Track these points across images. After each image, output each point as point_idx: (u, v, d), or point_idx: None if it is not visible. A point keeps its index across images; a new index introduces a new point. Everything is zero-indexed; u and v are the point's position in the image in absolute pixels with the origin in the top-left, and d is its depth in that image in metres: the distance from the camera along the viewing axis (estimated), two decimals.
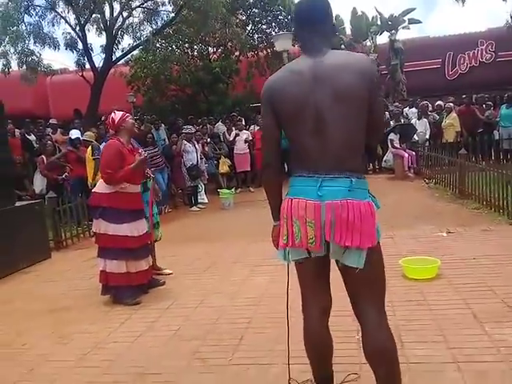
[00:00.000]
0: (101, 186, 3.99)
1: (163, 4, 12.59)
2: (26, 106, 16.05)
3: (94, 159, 7.21)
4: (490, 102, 11.31)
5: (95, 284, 4.14)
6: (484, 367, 2.41)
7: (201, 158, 9.35)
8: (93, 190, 4.14)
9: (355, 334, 2.85)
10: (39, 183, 8.34)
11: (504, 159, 10.12)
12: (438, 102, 11.63)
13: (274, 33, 14.67)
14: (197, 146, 9.35)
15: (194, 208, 8.92)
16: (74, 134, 8.50)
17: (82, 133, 8.72)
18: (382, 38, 16.48)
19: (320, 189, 1.80)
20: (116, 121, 4.04)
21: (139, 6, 12.33)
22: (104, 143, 6.15)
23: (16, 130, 9.70)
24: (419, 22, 16.45)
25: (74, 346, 3.15)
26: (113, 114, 4.12)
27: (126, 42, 13.25)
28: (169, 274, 4.57)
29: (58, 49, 11.85)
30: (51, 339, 3.31)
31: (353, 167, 1.84)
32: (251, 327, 3.20)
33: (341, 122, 1.80)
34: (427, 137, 10.72)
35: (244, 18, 15.54)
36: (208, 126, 11.80)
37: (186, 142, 9.10)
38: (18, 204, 5.74)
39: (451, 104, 10.97)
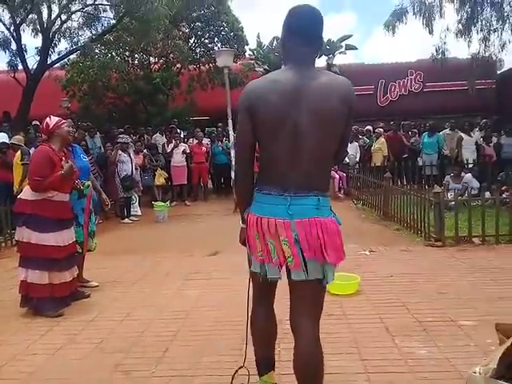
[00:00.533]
0: (27, 193, 3.86)
1: (104, 10, 12.38)
2: None
3: (22, 164, 6.92)
4: (415, 130, 12.12)
5: (15, 295, 3.98)
6: (392, 377, 2.59)
7: (135, 169, 9.23)
8: (18, 197, 3.99)
9: (276, 347, 2.97)
10: None
11: (426, 184, 10.84)
12: (367, 127, 12.33)
13: (216, 48, 14.83)
14: (132, 156, 9.24)
15: (126, 220, 8.77)
16: (1, 137, 8.07)
17: (11, 136, 8.33)
18: (320, 62, 17.17)
19: (290, 207, 1.84)
20: (50, 126, 3.94)
21: (79, 10, 12.06)
22: (34, 148, 5.99)
23: None
24: (355, 48, 17.20)
25: None
26: (48, 118, 4.01)
27: (63, 45, 12.85)
28: (95, 287, 4.47)
29: None
30: None
31: (320, 185, 1.91)
32: (176, 340, 3.22)
33: (316, 141, 1.83)
34: (357, 159, 11.29)
35: (187, 30, 15.61)
36: (145, 136, 11.69)
37: (121, 152, 8.96)
38: None
39: (381, 129, 11.65)
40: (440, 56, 13.67)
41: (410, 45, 37.75)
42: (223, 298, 4.04)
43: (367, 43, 41.09)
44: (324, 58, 16.75)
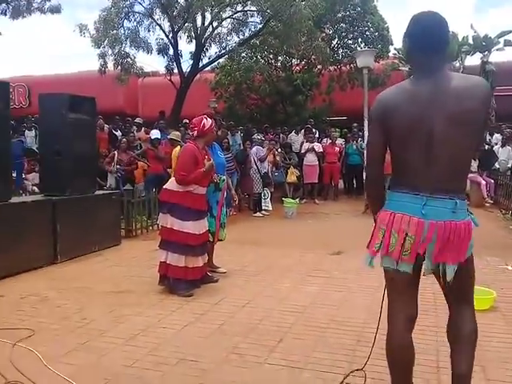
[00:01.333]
0: (172, 184, 4.25)
1: (252, 16, 13.02)
2: (119, 104, 17.28)
3: None
4: None
5: (155, 273, 4.43)
6: None
7: (268, 165, 9.63)
8: (164, 187, 4.38)
9: None
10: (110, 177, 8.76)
11: None
12: None
13: (359, 48, 14.61)
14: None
15: (258, 214, 9.18)
16: (154, 134, 9.03)
17: (164, 133, 9.28)
18: (473, 59, 15.81)
19: (424, 207, 1.86)
20: (206, 127, 4.29)
21: (229, 17, 12.86)
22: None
23: (105, 125, 10.53)
24: None
25: (128, 326, 3.42)
26: (205, 119, 4.34)
27: (213, 50, 13.86)
28: (223, 273, 4.77)
29: (151, 53, 12.70)
30: (109, 317, 3.61)
31: (457, 188, 1.90)
32: (291, 332, 3.28)
33: (452, 144, 1.83)
34: (509, 165, 10.17)
35: (330, 32, 15.63)
36: (281, 135, 12.02)
37: (259, 147, 9.42)
38: (97, 192, 6.26)
39: None
40: None
41: None
42: (341, 297, 4.01)
43: None
44: (478, 55, 15.45)
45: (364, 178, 2.14)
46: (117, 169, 8.52)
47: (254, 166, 9.39)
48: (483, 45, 15.40)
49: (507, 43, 15.26)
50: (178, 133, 8.75)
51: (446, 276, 1.91)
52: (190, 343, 3.12)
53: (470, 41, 15.56)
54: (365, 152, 9.31)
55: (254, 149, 9.61)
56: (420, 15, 1.94)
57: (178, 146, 7.98)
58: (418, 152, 1.87)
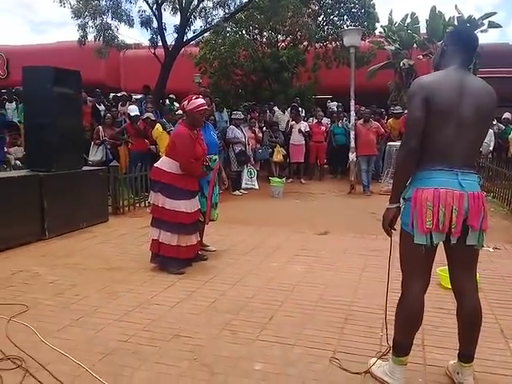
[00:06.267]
0: (165, 164, 4.21)
1: None
2: (99, 76, 16.86)
3: (168, 132, 7.78)
4: None
5: (145, 250, 4.47)
6: (498, 379, 2.48)
7: (248, 144, 9.61)
8: (155, 165, 4.34)
9: (379, 331, 2.99)
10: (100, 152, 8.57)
11: None
12: (505, 115, 11.15)
13: (345, 26, 14.50)
14: (244, 131, 9.61)
15: (237, 192, 9.20)
16: (133, 110, 8.76)
17: (143, 108, 9.17)
18: None
19: (461, 181, 2.17)
20: (186, 108, 4.22)
21: None
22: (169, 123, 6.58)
23: (88, 98, 10.32)
24: (499, 26, 15.61)
25: (121, 303, 3.47)
26: (186, 101, 4.23)
27: (198, 24, 13.51)
28: (213, 251, 4.83)
29: (133, 26, 12.35)
30: (101, 294, 3.66)
31: (474, 166, 2.33)
32: (281, 310, 3.39)
33: (474, 129, 2.23)
34: (491, 148, 10.37)
35: (316, 8, 15.45)
36: (268, 113, 11.99)
37: (235, 128, 9.38)
38: (84, 168, 6.19)
39: None
40: None
41: None
42: (329, 277, 4.13)
43: None
44: None
45: (400, 152, 2.31)
46: (105, 141, 8.40)
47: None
48: (467, 26, 15.46)
49: (491, 25, 15.35)
50: (150, 113, 8.74)
51: (467, 240, 2.20)
52: (184, 320, 3.19)
53: (455, 22, 15.59)
54: (351, 132, 9.39)
55: (228, 129, 9.58)
56: (467, 28, 2.61)
57: (158, 124, 8.05)
58: (451, 131, 2.18)
